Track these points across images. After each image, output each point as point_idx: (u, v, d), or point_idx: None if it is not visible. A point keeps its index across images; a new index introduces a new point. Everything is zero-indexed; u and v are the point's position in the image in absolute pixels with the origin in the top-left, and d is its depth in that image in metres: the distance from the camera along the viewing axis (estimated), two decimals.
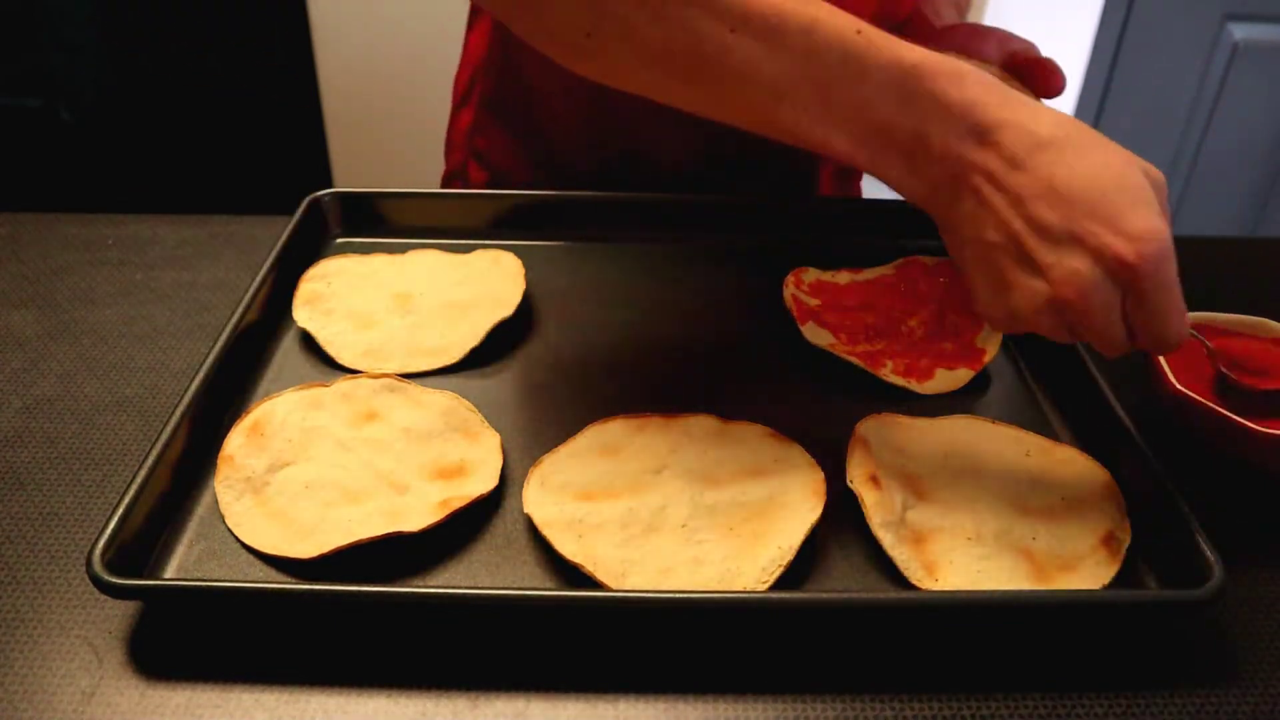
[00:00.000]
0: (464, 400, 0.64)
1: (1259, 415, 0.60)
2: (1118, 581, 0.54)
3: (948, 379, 0.68)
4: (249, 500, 0.56)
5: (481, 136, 0.91)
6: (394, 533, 0.53)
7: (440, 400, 0.64)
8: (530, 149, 0.89)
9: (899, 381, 0.67)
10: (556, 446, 0.60)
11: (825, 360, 0.69)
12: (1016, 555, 0.54)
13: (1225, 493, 0.60)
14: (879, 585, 0.53)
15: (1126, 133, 1.84)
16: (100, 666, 0.49)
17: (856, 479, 0.57)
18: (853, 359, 0.68)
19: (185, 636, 0.50)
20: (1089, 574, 0.53)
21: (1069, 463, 0.60)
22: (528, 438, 0.62)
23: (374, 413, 0.62)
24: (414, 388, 0.65)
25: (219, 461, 0.59)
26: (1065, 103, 1.79)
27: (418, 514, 0.55)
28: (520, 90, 0.87)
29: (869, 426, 0.61)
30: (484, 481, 0.57)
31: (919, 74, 0.50)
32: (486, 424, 0.62)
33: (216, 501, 0.57)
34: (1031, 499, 0.57)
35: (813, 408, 0.66)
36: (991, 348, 0.70)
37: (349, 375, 0.66)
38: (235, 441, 0.60)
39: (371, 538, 0.53)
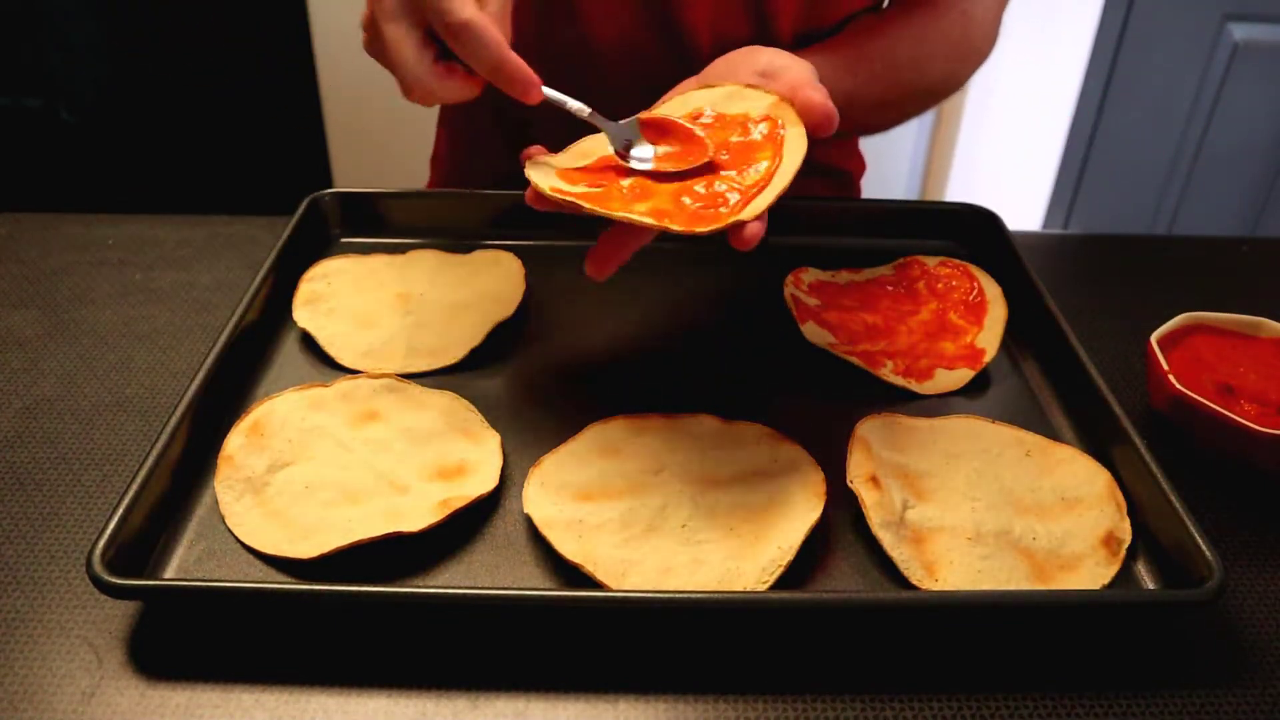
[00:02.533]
0: (464, 400, 0.64)
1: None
2: (1118, 581, 0.54)
3: (948, 379, 0.68)
4: (249, 500, 0.56)
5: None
6: (394, 533, 0.53)
7: (440, 400, 0.64)
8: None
9: (899, 381, 0.67)
10: (556, 446, 0.60)
11: (825, 360, 0.69)
12: (1016, 555, 0.54)
13: (1225, 493, 0.60)
14: (879, 585, 0.53)
15: (1126, 133, 1.84)
16: (100, 666, 0.49)
17: (856, 479, 0.57)
18: (853, 359, 0.68)
19: (185, 636, 0.50)
20: (1089, 574, 0.53)
21: (1069, 462, 0.60)
22: (528, 438, 0.62)
23: (374, 413, 0.62)
24: (414, 388, 0.65)
25: (219, 462, 0.59)
26: (1065, 102, 1.79)
27: (418, 514, 0.55)
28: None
29: (869, 426, 0.61)
30: (484, 482, 0.57)
31: None
32: (486, 424, 0.62)
33: (216, 501, 0.57)
34: (1031, 499, 0.58)
35: (813, 408, 0.66)
36: (991, 348, 0.70)
37: (349, 375, 0.66)
38: (235, 442, 0.60)
39: (371, 538, 0.53)
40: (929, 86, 0.79)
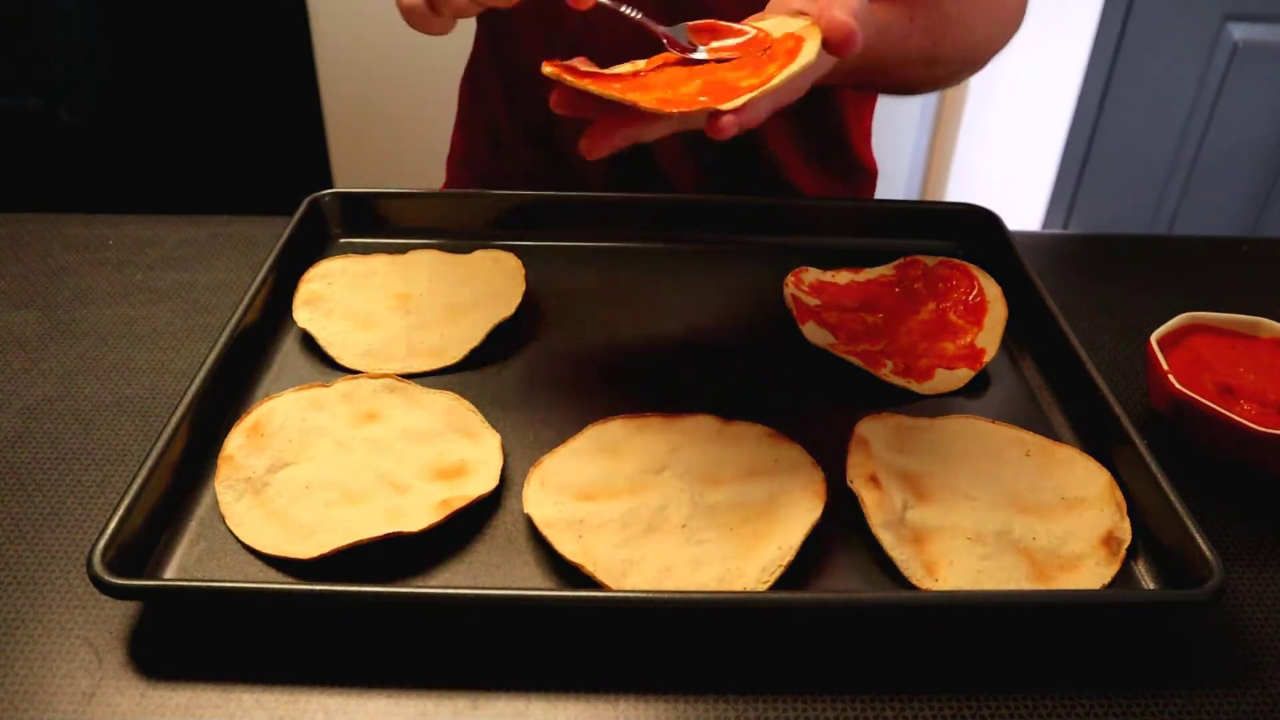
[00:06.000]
0: (464, 400, 0.64)
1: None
2: (1118, 581, 0.54)
3: (948, 379, 0.68)
4: (249, 500, 0.56)
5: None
6: (394, 533, 0.53)
7: (440, 400, 0.64)
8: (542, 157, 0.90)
9: (899, 381, 0.67)
10: (556, 446, 0.60)
11: (825, 360, 0.69)
12: (1016, 555, 0.54)
13: (1225, 493, 0.60)
14: (879, 585, 0.53)
15: (1126, 133, 1.84)
16: (100, 667, 0.49)
17: (856, 479, 0.57)
18: (852, 359, 0.68)
19: (185, 636, 0.50)
20: (1089, 574, 0.53)
21: (1069, 463, 0.60)
22: (528, 438, 0.62)
23: (374, 413, 0.62)
24: (414, 388, 0.65)
25: (219, 462, 0.59)
26: (1065, 102, 1.79)
27: (418, 514, 0.55)
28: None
29: (869, 426, 0.61)
30: (484, 482, 0.57)
31: None
32: (486, 424, 0.62)
33: (216, 501, 0.57)
34: (1031, 499, 0.58)
35: (813, 408, 0.66)
36: (991, 348, 0.70)
37: (349, 375, 0.66)
38: (235, 442, 0.60)
39: (371, 538, 0.53)
40: (975, 45, 0.79)
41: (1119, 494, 0.58)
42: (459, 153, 1.00)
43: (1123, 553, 0.55)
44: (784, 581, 0.52)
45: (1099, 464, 0.60)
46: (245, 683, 0.48)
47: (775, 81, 0.52)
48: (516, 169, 0.94)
